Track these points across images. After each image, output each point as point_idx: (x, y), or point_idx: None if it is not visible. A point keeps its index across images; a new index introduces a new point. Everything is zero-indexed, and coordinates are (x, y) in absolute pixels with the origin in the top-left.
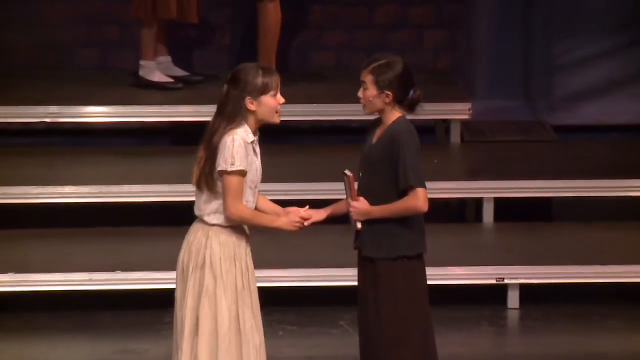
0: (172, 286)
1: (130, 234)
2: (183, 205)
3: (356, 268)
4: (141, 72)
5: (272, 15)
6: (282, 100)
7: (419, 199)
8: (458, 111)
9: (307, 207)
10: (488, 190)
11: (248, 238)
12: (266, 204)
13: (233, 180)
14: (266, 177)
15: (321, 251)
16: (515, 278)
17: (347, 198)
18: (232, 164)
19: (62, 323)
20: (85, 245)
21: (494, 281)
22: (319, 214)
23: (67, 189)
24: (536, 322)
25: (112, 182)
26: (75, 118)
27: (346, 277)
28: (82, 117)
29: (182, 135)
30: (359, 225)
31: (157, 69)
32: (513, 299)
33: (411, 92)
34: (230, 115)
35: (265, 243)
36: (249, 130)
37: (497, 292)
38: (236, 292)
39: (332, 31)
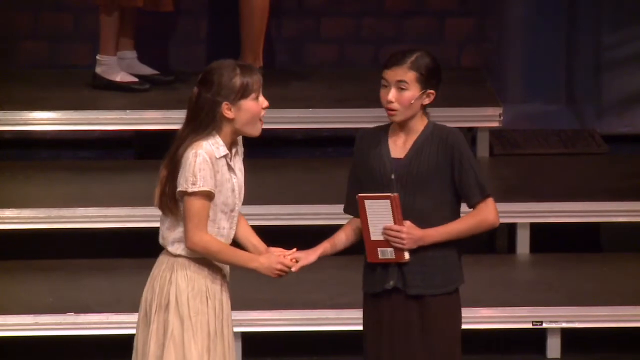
0: (135, 331)
1: (85, 267)
2: (151, 233)
3: (360, 309)
4: (99, 70)
5: None
6: (265, 103)
7: (492, 211)
8: (486, 117)
9: (295, 250)
10: (523, 214)
11: (224, 271)
12: (249, 236)
13: (195, 203)
14: (251, 198)
15: (319, 288)
16: (556, 322)
17: (363, 225)
18: (194, 184)
19: None
20: (30, 281)
21: (530, 325)
22: (308, 257)
23: (7, 212)
24: None
25: (62, 204)
26: (18, 126)
27: (350, 320)
28: (26, 124)
29: (148, 146)
30: (407, 255)
31: (118, 66)
32: (553, 348)
33: None
34: (200, 124)
35: (250, 278)
36: (220, 142)
37: (534, 339)
38: (208, 338)
39: (333, 18)
